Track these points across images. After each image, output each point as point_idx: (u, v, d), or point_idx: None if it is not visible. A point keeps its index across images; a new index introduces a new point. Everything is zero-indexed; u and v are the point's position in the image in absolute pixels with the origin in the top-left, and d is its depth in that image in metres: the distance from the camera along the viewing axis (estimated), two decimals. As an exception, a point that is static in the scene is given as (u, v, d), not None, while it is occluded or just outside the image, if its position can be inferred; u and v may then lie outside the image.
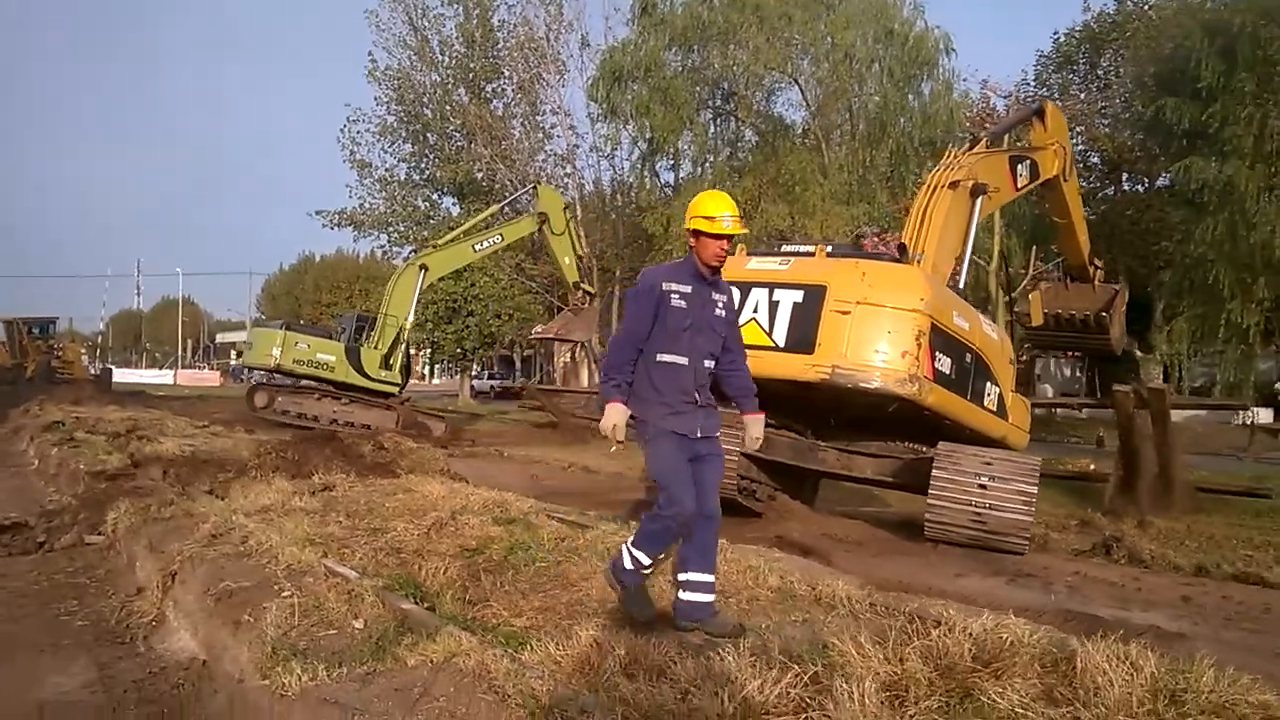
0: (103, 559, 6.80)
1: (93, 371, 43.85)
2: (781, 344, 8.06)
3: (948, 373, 8.30)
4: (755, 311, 8.26)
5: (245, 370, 69.63)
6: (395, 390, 21.31)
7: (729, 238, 4.23)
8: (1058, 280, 15.86)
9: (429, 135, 39.05)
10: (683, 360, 4.20)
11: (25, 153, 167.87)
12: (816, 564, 5.87)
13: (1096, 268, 15.25)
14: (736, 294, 4.85)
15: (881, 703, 2.81)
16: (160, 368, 76.66)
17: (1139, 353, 24.57)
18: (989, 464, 8.10)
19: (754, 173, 26.39)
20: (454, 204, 40.07)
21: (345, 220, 39.66)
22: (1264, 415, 23.74)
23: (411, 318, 21.61)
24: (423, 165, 39.75)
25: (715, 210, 4.20)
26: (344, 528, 5.98)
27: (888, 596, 4.50)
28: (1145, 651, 3.12)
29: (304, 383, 21.36)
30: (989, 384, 9.11)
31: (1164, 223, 24.14)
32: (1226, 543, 9.21)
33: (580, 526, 5.93)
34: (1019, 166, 11.36)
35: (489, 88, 38.94)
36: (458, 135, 38.49)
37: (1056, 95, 28.97)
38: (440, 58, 38.39)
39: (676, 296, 4.18)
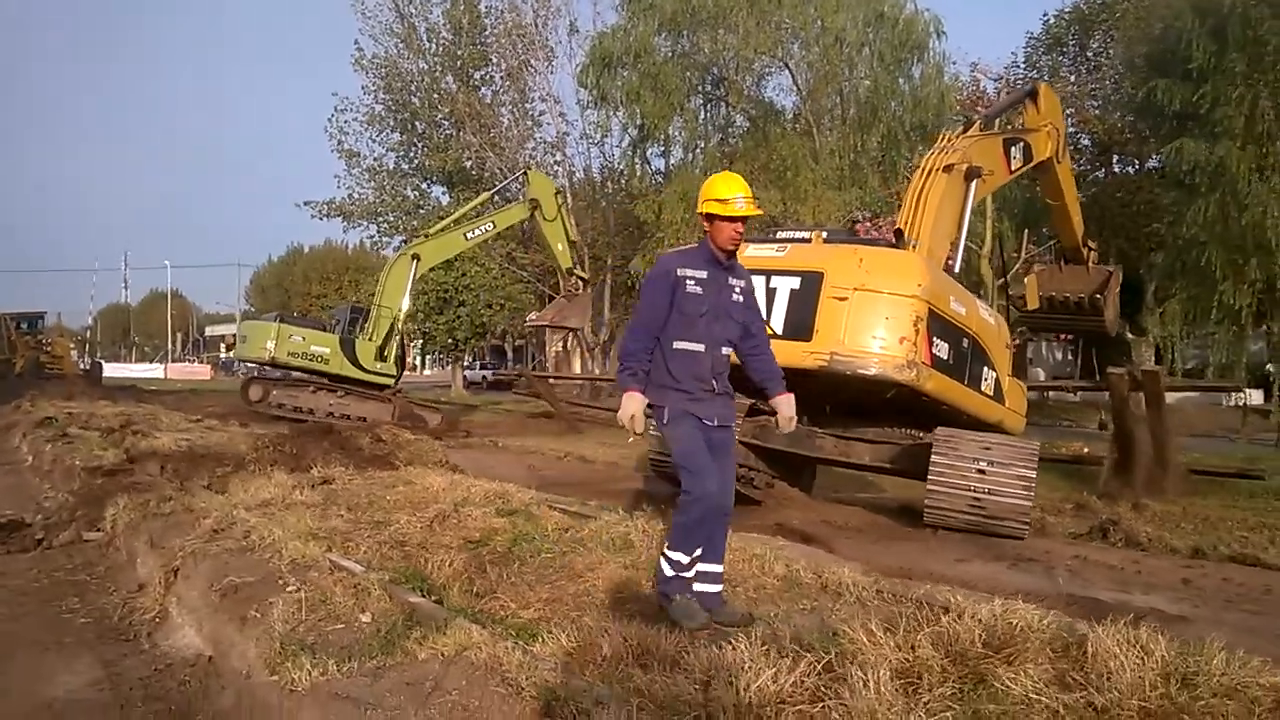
0: (102, 556, 6.78)
1: (82, 366, 43.64)
2: (779, 331, 8.03)
3: (945, 358, 8.30)
4: (752, 298, 8.23)
5: (236, 363, 69.58)
6: (391, 382, 21.24)
7: (744, 220, 4.16)
8: (1051, 263, 15.89)
9: (417, 124, 38.79)
10: (699, 347, 4.15)
11: (9, 148, 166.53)
12: (820, 551, 5.89)
13: (1090, 249, 15.26)
14: None
15: (896, 690, 2.82)
16: (150, 361, 76.41)
17: (1130, 335, 24.67)
18: (988, 449, 8.12)
19: (745, 158, 26.34)
20: (443, 193, 39.88)
21: (334, 211, 39.42)
22: (1255, 397, 23.90)
23: (406, 307, 21.51)
24: (411, 154, 39.52)
25: (728, 192, 4.14)
26: (346, 521, 5.97)
27: (894, 583, 4.52)
28: (1156, 635, 3.13)
29: (295, 375, 21.26)
30: (986, 368, 9.12)
31: (1155, 205, 24.17)
32: (1222, 524, 9.24)
33: (582, 517, 5.93)
34: (1013, 149, 11.33)
35: (477, 75, 38.68)
36: (446, 123, 38.23)
37: (1047, 77, 28.93)
38: (427, 45, 38.10)
39: (692, 282, 4.13)
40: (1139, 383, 11.57)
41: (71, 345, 46.22)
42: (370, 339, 20.85)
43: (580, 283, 22.70)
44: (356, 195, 39.19)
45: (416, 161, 39.34)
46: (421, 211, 38.30)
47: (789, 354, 7.92)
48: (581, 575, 4.64)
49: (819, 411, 9.30)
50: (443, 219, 25.58)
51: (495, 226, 23.29)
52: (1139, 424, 11.58)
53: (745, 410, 8.92)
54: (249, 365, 28.68)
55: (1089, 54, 34.41)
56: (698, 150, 30.38)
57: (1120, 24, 30.19)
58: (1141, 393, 11.65)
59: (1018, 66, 35.23)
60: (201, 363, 77.72)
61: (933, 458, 8.18)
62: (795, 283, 8.15)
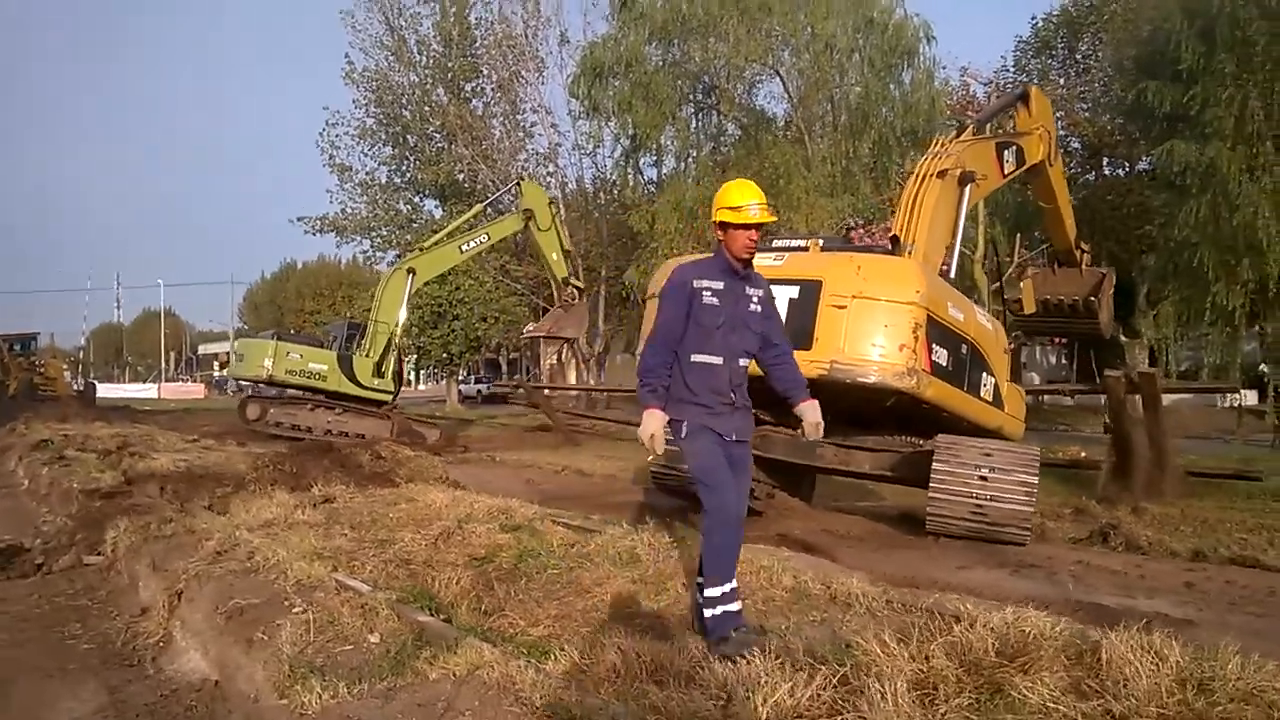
0: (103, 580, 6.73)
1: (76, 387, 43.46)
2: (778, 340, 8.03)
3: (945, 364, 8.31)
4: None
5: (229, 382, 69.39)
6: (389, 398, 21.18)
7: (758, 227, 4.08)
8: (1043, 266, 15.95)
9: (409, 137, 38.86)
10: (717, 360, 4.07)
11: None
12: (826, 562, 5.88)
13: (1083, 252, 15.34)
14: None
15: (913, 702, 2.81)
16: (143, 381, 76.11)
17: (1124, 338, 24.73)
18: (989, 455, 8.11)
19: (737, 167, 26.32)
20: (436, 206, 39.93)
21: (327, 226, 39.47)
22: (1249, 397, 23.96)
23: (403, 319, 21.46)
24: (404, 168, 39.57)
25: (740, 199, 4.07)
26: (350, 540, 5.94)
27: (903, 593, 4.50)
28: (1169, 641, 3.13)
29: (290, 393, 21.18)
30: (985, 374, 9.13)
31: (1146, 207, 24.25)
32: (1221, 526, 9.23)
33: (587, 531, 5.91)
34: (1005, 153, 11.39)
35: (468, 87, 38.78)
36: (438, 136, 38.31)
37: (1036, 81, 29.05)
38: (418, 58, 38.21)
39: (709, 294, 4.05)
40: (1135, 385, 11.58)
41: (65, 366, 45.96)
42: (367, 355, 20.80)
43: (576, 292, 22.68)
44: (349, 210, 39.26)
45: (409, 175, 39.38)
46: (414, 225, 38.33)
47: (789, 363, 7.95)
48: (589, 591, 4.62)
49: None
50: (436, 232, 25.59)
51: (490, 238, 23.27)
52: (1136, 426, 11.59)
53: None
54: (244, 383, 28.61)
55: (1078, 57, 34.57)
56: (690, 159, 30.47)
57: (1108, 26, 30.35)
58: (1138, 395, 11.67)
59: (1007, 70, 35.40)
60: (195, 381, 77.46)
61: (934, 465, 8.17)
62: (794, 291, 8.14)
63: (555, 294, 22.94)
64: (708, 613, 3.88)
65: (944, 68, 30.08)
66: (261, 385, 22.25)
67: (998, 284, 13.78)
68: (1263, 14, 16.20)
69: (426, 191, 39.73)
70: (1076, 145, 32.07)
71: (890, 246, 9.12)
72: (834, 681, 2.97)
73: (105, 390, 51.94)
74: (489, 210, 25.66)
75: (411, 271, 21.41)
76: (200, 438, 16.29)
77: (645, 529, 5.78)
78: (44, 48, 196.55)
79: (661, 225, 25.98)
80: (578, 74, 30.21)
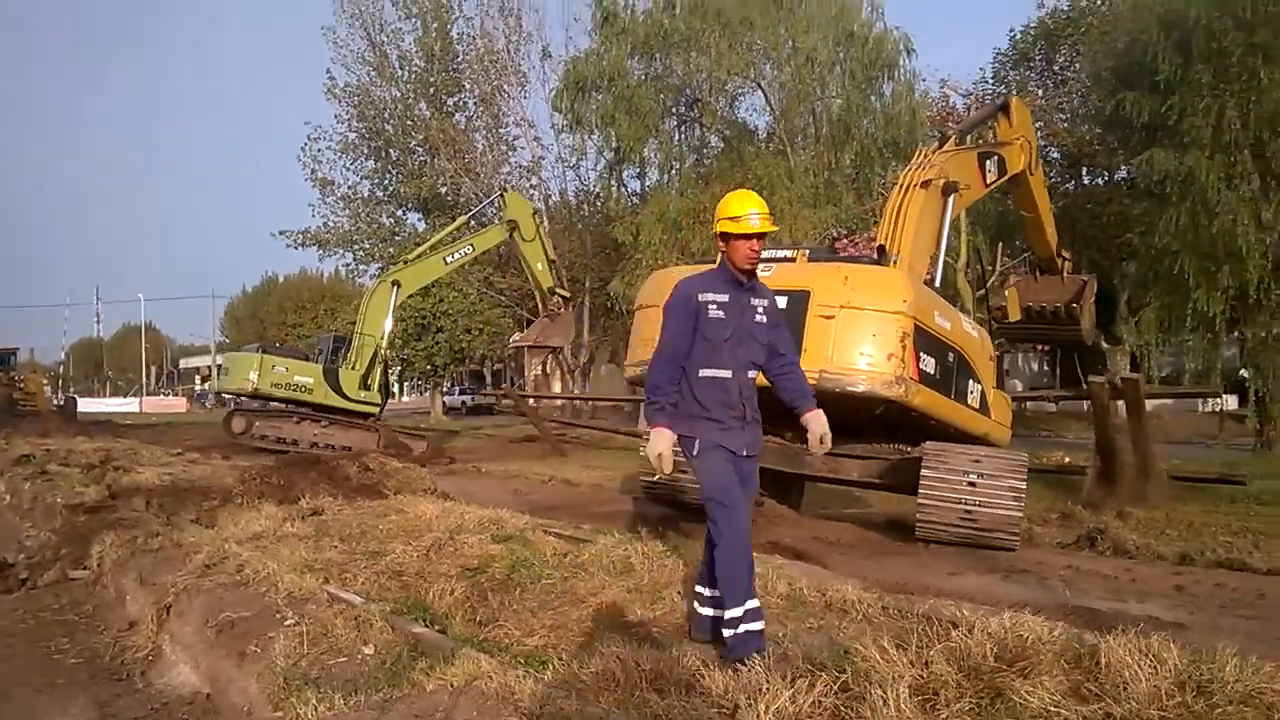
0: (89, 594, 6.66)
1: (56, 402, 43.06)
2: (767, 350, 8.05)
3: (932, 373, 8.35)
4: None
5: (209, 396, 68.84)
6: (375, 410, 21.09)
7: (760, 237, 4.03)
8: (1025, 274, 16.07)
9: (391, 151, 38.79)
10: (726, 374, 4.00)
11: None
12: (819, 569, 5.89)
13: (1065, 259, 15.46)
14: None
15: (915, 707, 2.81)
16: (124, 395, 75.49)
17: (1105, 344, 24.91)
18: (978, 462, 8.16)
19: (721, 179, 26.35)
20: (419, 220, 39.87)
21: (309, 240, 39.29)
22: (1230, 402, 24.17)
23: (389, 329, 21.39)
24: (386, 181, 39.49)
25: (741, 209, 4.02)
26: (341, 552, 5.91)
27: (898, 599, 4.51)
28: (1167, 644, 3.14)
29: (272, 405, 21.06)
30: (972, 382, 9.18)
31: (1125, 215, 24.48)
32: (1206, 530, 9.31)
33: (579, 541, 5.89)
34: (987, 163, 11.48)
35: (450, 101, 38.76)
36: (420, 150, 38.27)
37: (1015, 92, 29.30)
38: (400, 73, 38.19)
39: (714, 306, 3.98)
40: (1119, 391, 11.67)
41: (45, 381, 45.54)
42: (353, 368, 20.70)
43: (562, 301, 22.66)
44: (332, 224, 39.12)
45: (391, 189, 39.30)
46: (397, 238, 38.25)
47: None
48: (584, 600, 4.61)
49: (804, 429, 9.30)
50: (419, 245, 25.52)
51: (474, 250, 23.24)
52: (1120, 432, 11.68)
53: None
54: (226, 397, 28.37)
55: (1055, 68, 34.86)
56: (673, 171, 30.53)
57: (1085, 38, 30.65)
58: (1121, 401, 11.76)
59: (986, 82, 35.67)
60: (176, 395, 76.90)
61: (923, 472, 8.21)
62: (782, 302, 8.14)
63: (541, 304, 22.91)
64: (728, 633, 3.78)
65: (923, 80, 30.31)
66: (244, 399, 22.11)
67: (982, 291, 13.85)
68: (1237, 25, 16.40)
69: (409, 205, 39.65)
70: (1056, 155, 32.33)
71: (877, 256, 9.16)
72: (835, 688, 2.97)
73: (86, 405, 51.43)
74: (473, 222, 25.61)
75: (396, 284, 21.37)
76: (184, 451, 16.14)
77: (638, 538, 5.77)
78: (23, 64, 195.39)
79: (646, 237, 26.00)
80: (561, 88, 30.26)
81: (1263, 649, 3.50)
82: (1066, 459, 14.73)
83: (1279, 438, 17.81)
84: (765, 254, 9.15)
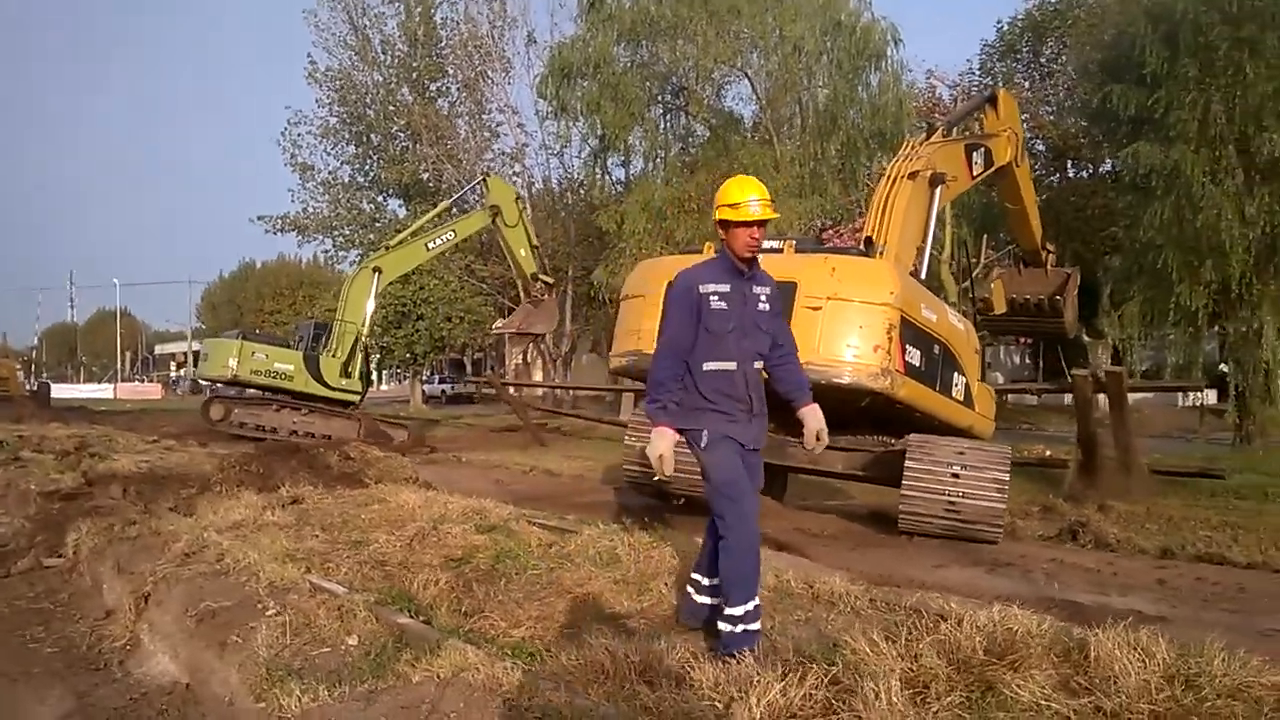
0: (65, 582, 6.57)
1: (29, 387, 42.58)
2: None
3: (918, 365, 8.35)
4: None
5: (183, 382, 68.24)
6: (356, 399, 20.93)
7: (760, 224, 3.92)
8: (1010, 267, 16.14)
9: (373, 136, 38.45)
10: (730, 365, 3.89)
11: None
12: (806, 560, 5.88)
13: (1049, 252, 15.53)
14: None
15: (907, 700, 2.80)
16: (98, 382, 74.73)
17: (1087, 337, 25.03)
18: (961, 453, 8.18)
19: (707, 168, 26.21)
20: (400, 206, 39.58)
21: (289, 225, 38.93)
22: (1209, 396, 24.35)
23: (370, 312, 21.21)
24: (367, 167, 39.13)
25: (740, 196, 3.90)
26: (323, 541, 5.84)
27: (885, 592, 4.50)
28: (1155, 638, 3.14)
29: (249, 392, 20.85)
30: (957, 374, 9.19)
31: (1109, 209, 24.57)
32: (1185, 524, 9.35)
33: (564, 531, 5.86)
34: (974, 154, 11.52)
35: (433, 87, 38.44)
36: (402, 136, 37.95)
37: (1001, 84, 29.35)
38: (382, 57, 37.84)
39: (716, 298, 3.87)
40: (1102, 384, 11.72)
41: (18, 366, 45.03)
42: (334, 355, 20.53)
43: (545, 287, 22.56)
44: (311, 209, 38.76)
45: (372, 174, 38.96)
46: (378, 225, 37.95)
47: (764, 364, 7.95)
48: (570, 591, 4.57)
49: (792, 420, 9.30)
50: (400, 232, 25.33)
51: (456, 235, 23.04)
52: (1102, 425, 11.75)
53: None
54: (202, 383, 28.10)
55: (1042, 61, 34.93)
56: (659, 160, 30.34)
57: (1072, 31, 30.71)
58: (1104, 393, 11.81)
59: (973, 73, 35.75)
60: (151, 382, 76.24)
61: (907, 463, 8.22)
62: (769, 292, 8.14)
63: (523, 290, 22.80)
64: (725, 627, 3.70)
65: (910, 70, 30.26)
66: (220, 385, 21.89)
67: (966, 284, 13.88)
68: (1224, 19, 16.44)
69: (390, 191, 39.32)
70: (1041, 148, 32.44)
71: (864, 248, 9.15)
72: (825, 681, 2.95)
73: (59, 391, 50.82)
74: (455, 208, 25.43)
75: (377, 270, 21.17)
76: (160, 438, 15.98)
77: (624, 529, 5.74)
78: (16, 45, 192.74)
79: (630, 225, 25.85)
80: (546, 74, 29.99)
81: (1248, 642, 3.51)
82: (1047, 452, 14.84)
83: (1259, 432, 17.94)
84: (752, 244, 9.18)
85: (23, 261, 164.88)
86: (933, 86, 34.16)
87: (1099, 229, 26.51)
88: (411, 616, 4.21)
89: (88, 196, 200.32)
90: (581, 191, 36.84)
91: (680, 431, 3.91)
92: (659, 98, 29.88)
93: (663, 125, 30.56)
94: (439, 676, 3.32)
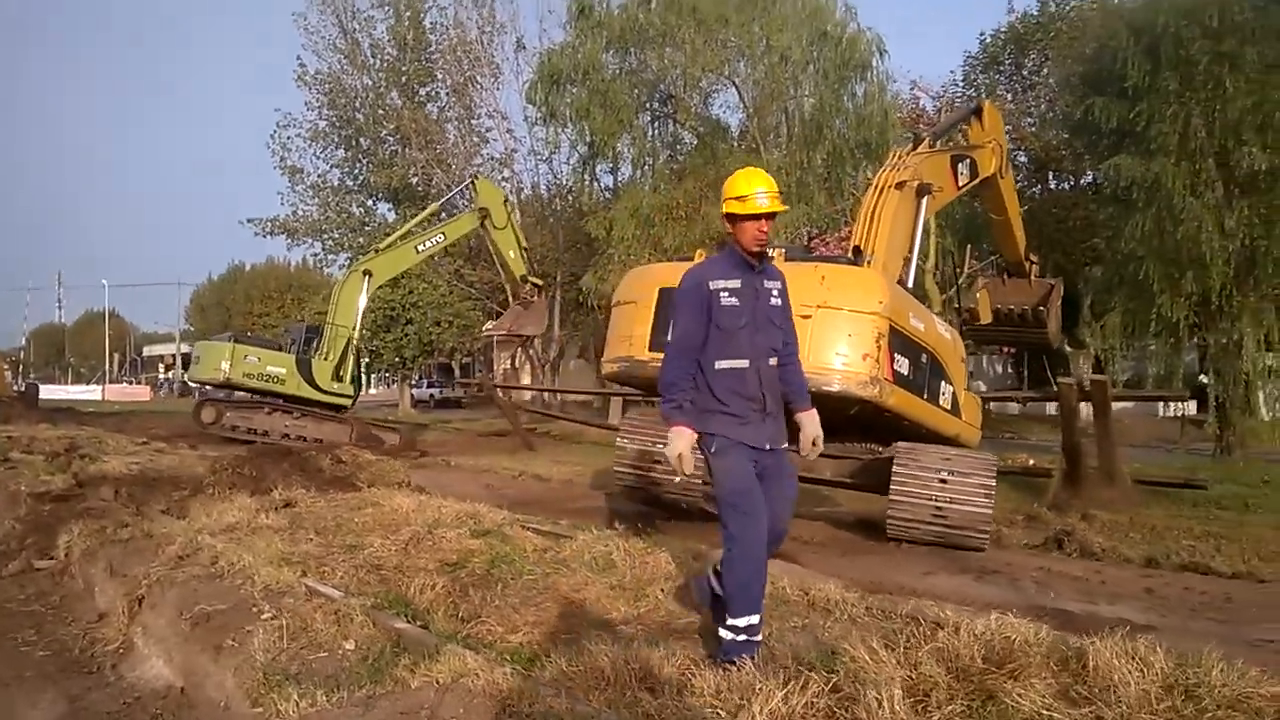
0: (56, 585, 6.53)
1: (17, 388, 42.19)
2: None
3: (906, 373, 8.41)
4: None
5: (172, 384, 67.74)
6: (348, 403, 20.90)
7: (768, 217, 3.82)
8: (994, 277, 16.26)
9: (362, 140, 38.31)
10: (743, 363, 3.78)
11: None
12: (799, 567, 5.90)
13: (1033, 263, 15.64)
14: None
15: (909, 709, 2.82)
16: (86, 383, 74.11)
17: (1069, 348, 25.19)
18: (949, 460, 8.26)
19: (694, 175, 26.34)
20: (389, 209, 39.45)
21: (278, 228, 38.74)
22: (1190, 407, 24.52)
23: (362, 310, 21.17)
24: (356, 171, 38.99)
25: (747, 188, 3.81)
26: (317, 545, 5.83)
27: (880, 599, 4.53)
28: (1154, 647, 3.18)
29: (238, 395, 20.78)
30: (944, 383, 9.25)
31: (1091, 220, 24.72)
32: (1169, 534, 9.44)
33: (558, 537, 5.87)
34: (960, 165, 11.63)
35: (422, 91, 38.36)
36: (391, 140, 37.86)
37: (984, 95, 29.53)
38: (372, 61, 37.73)
39: (726, 294, 3.77)
40: (1087, 393, 11.82)
41: (5, 367, 44.59)
42: (326, 358, 20.48)
43: (535, 289, 22.55)
44: (301, 212, 38.60)
45: (361, 178, 38.80)
46: (367, 228, 37.81)
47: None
48: (567, 597, 4.59)
49: (787, 424, 9.34)
50: (389, 235, 25.29)
51: (446, 238, 23.07)
52: (1086, 435, 11.84)
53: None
54: (191, 386, 27.92)
55: (1024, 73, 35.15)
56: (647, 167, 30.37)
57: (1055, 44, 30.91)
58: (1088, 402, 11.91)
59: (956, 85, 35.93)
60: (140, 384, 75.70)
61: (894, 470, 8.29)
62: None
63: (512, 293, 22.77)
64: (726, 635, 3.64)
65: (894, 81, 30.40)
66: (211, 388, 21.80)
67: (950, 293, 13.99)
68: (1204, 34, 16.60)
69: (379, 195, 39.17)
70: (1023, 159, 32.61)
71: (853, 257, 9.21)
72: (827, 689, 2.98)
73: (47, 392, 50.30)
74: (443, 212, 25.41)
75: (368, 273, 21.16)
76: (150, 440, 15.89)
77: (619, 534, 5.75)
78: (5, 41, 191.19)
79: (618, 232, 25.86)
80: (535, 80, 29.99)
81: (1239, 652, 3.56)
82: (1031, 461, 14.95)
83: (1239, 443, 18.10)
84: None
85: (10, 261, 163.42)
86: (916, 98, 34.35)
87: (1080, 240, 26.67)
88: (408, 621, 4.22)
89: (76, 197, 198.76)
90: (570, 198, 36.85)
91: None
92: (647, 105, 29.93)
93: (651, 132, 30.63)
94: (438, 682, 3.33)
